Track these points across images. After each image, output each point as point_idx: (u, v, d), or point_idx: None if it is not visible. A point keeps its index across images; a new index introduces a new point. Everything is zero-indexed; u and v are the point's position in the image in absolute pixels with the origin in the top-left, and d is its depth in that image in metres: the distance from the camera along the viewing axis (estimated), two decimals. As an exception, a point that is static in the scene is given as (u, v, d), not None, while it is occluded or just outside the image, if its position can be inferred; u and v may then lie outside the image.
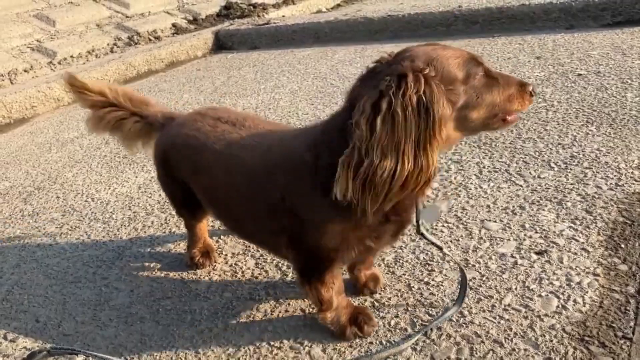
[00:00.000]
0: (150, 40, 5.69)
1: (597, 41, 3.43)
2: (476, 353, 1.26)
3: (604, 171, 1.93)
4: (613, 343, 1.22)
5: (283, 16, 6.15)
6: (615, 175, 1.89)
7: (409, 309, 1.44)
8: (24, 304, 1.77)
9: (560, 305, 1.36)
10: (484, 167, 2.11)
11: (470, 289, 1.46)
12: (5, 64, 4.80)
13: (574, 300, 1.36)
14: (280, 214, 1.27)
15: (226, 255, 1.84)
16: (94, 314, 1.66)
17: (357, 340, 1.36)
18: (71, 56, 5.16)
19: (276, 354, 1.37)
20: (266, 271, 1.71)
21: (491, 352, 1.26)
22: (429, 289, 1.50)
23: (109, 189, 2.57)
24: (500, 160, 2.15)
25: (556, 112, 2.49)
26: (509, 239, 1.66)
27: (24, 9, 5.57)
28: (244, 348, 1.41)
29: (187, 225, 1.82)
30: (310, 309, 1.50)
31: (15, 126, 4.04)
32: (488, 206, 1.85)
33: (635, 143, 2.08)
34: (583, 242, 1.58)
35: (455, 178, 2.07)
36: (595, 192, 1.81)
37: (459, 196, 1.94)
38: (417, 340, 1.33)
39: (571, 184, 1.89)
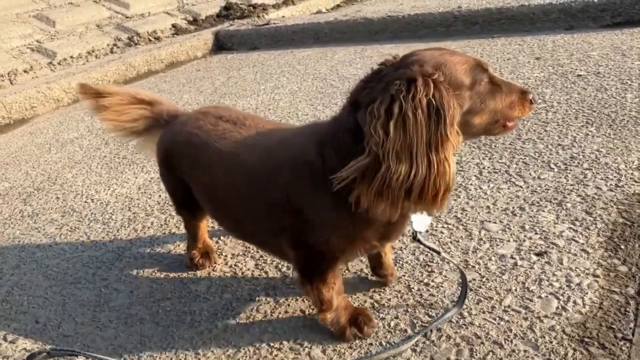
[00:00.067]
0: (150, 40, 5.69)
1: (597, 42, 3.43)
2: (476, 354, 1.26)
3: (603, 172, 1.93)
4: (613, 344, 1.22)
5: (283, 17, 6.15)
6: (615, 176, 1.89)
7: (409, 310, 1.44)
8: (24, 305, 1.77)
9: (560, 307, 1.36)
10: (483, 168, 2.11)
11: (470, 290, 1.46)
12: (5, 64, 4.80)
13: (574, 302, 1.36)
14: (283, 213, 1.27)
15: (226, 256, 1.84)
16: (93, 315, 1.66)
17: (357, 341, 1.36)
18: (71, 57, 5.16)
19: (276, 355, 1.37)
20: (266, 272, 1.71)
21: (491, 353, 1.26)
22: (428, 290, 1.50)
23: (109, 189, 2.57)
24: (500, 161, 2.15)
25: (556, 113, 2.50)
26: (509, 240, 1.66)
27: (23, 10, 5.57)
28: (243, 349, 1.41)
29: (186, 226, 1.82)
30: (310, 310, 1.50)
31: (15, 127, 4.04)
32: (488, 207, 1.85)
33: (635, 144, 2.08)
34: (583, 243, 1.58)
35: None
36: (595, 193, 1.81)
37: (459, 197, 1.94)
38: (417, 341, 1.33)
39: (571, 185, 1.89)
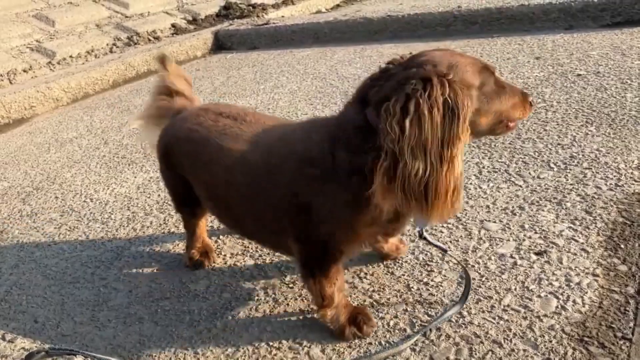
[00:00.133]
0: (149, 40, 5.69)
1: (597, 41, 3.43)
2: (475, 353, 1.26)
3: (603, 171, 1.93)
4: (612, 344, 1.22)
5: (282, 16, 6.15)
6: (614, 176, 1.89)
7: (408, 309, 1.44)
8: (23, 304, 1.77)
9: (559, 306, 1.35)
10: (483, 168, 2.11)
11: (470, 289, 1.46)
12: (5, 64, 4.79)
13: (574, 301, 1.36)
14: (289, 208, 1.28)
15: (225, 255, 1.84)
16: (92, 315, 1.66)
17: (356, 340, 1.36)
18: (70, 56, 5.16)
19: (275, 354, 1.37)
20: (265, 272, 1.71)
21: (490, 352, 1.26)
22: (428, 290, 1.50)
23: (108, 189, 2.57)
24: (499, 160, 2.15)
25: (555, 112, 2.49)
26: (509, 240, 1.65)
27: (23, 9, 5.56)
28: (242, 348, 1.40)
29: (186, 225, 1.81)
30: (309, 310, 1.50)
31: (14, 126, 4.04)
32: (487, 206, 1.85)
33: (634, 143, 2.08)
34: (582, 243, 1.58)
35: (454, 178, 2.07)
36: (595, 193, 1.81)
37: (459, 196, 1.94)
38: (416, 340, 1.32)
39: (571, 184, 1.89)
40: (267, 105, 3.36)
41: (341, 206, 1.21)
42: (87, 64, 4.99)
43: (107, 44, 5.49)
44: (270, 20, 5.49)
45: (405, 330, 1.37)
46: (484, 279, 1.50)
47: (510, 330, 1.31)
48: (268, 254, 1.80)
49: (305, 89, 3.56)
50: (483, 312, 1.38)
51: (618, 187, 1.82)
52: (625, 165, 1.94)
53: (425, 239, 1.44)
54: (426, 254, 1.65)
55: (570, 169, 1.99)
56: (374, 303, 1.48)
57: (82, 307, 1.70)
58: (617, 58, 3.05)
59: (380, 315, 1.43)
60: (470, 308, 1.40)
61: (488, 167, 2.11)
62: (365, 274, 1.60)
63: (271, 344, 1.40)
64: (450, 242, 1.68)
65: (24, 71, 4.81)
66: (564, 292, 1.40)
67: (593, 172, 1.93)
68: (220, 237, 1.95)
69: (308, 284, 1.35)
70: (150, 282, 1.77)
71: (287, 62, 4.45)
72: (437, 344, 1.31)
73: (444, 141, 1.05)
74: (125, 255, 1.96)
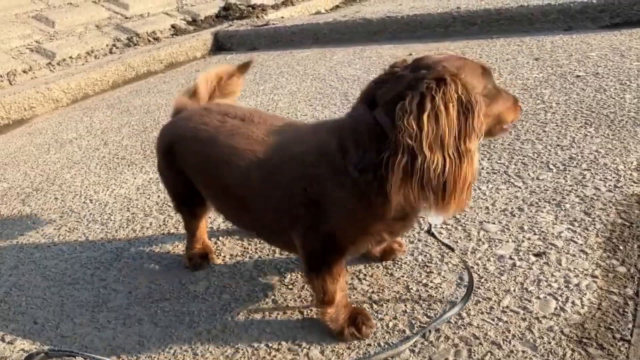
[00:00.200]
0: (149, 41, 5.69)
1: (596, 42, 3.44)
2: (474, 355, 1.26)
3: (602, 173, 1.93)
4: (611, 345, 1.22)
5: (282, 17, 6.15)
6: (613, 177, 1.89)
7: (407, 310, 1.44)
8: (22, 305, 1.77)
9: (558, 307, 1.36)
10: (482, 169, 2.11)
11: (472, 290, 1.46)
12: (4, 64, 4.79)
13: (572, 302, 1.36)
14: (298, 204, 1.30)
15: (224, 256, 1.84)
16: (92, 316, 1.66)
17: (355, 342, 1.36)
18: (70, 57, 5.16)
19: (274, 356, 1.37)
20: (264, 273, 1.71)
21: (489, 354, 1.26)
22: (427, 291, 1.50)
23: (108, 190, 2.57)
24: (499, 161, 2.15)
25: (555, 113, 2.50)
26: (508, 241, 1.66)
27: (23, 10, 5.56)
28: (242, 349, 1.41)
29: (186, 225, 1.82)
30: (309, 310, 1.50)
31: (14, 127, 4.04)
32: (487, 208, 1.85)
33: (633, 144, 2.09)
34: (581, 244, 1.58)
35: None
36: (594, 194, 1.81)
37: (458, 198, 1.94)
38: (416, 342, 1.32)
39: (570, 185, 1.89)
40: (267, 107, 3.36)
41: (349, 200, 1.23)
42: (86, 64, 4.99)
43: (107, 45, 5.49)
44: (269, 21, 5.49)
45: (404, 331, 1.37)
46: (483, 280, 1.50)
47: (509, 331, 1.31)
48: (268, 255, 1.80)
49: (305, 90, 3.56)
50: (482, 313, 1.38)
51: (617, 189, 1.82)
52: (624, 167, 1.94)
53: (433, 234, 1.49)
54: (425, 255, 1.65)
55: (569, 170, 1.99)
56: (373, 304, 1.49)
57: (81, 308, 1.71)
58: (616, 59, 3.05)
59: (380, 316, 1.44)
60: (470, 309, 1.40)
61: (487, 168, 2.11)
62: (365, 275, 1.61)
63: (270, 345, 1.40)
64: (450, 243, 1.69)
65: (24, 72, 4.81)
66: (563, 293, 1.40)
67: (592, 174, 1.94)
68: (220, 238, 1.96)
69: (311, 280, 1.37)
70: (149, 283, 1.77)
71: (287, 63, 4.45)
72: (436, 345, 1.31)
73: (460, 136, 1.09)
74: (124, 256, 1.96)
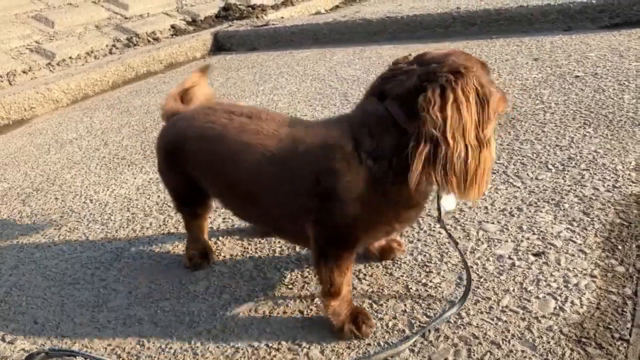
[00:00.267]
0: (149, 41, 5.69)
1: (595, 43, 3.44)
2: (474, 354, 1.27)
3: (601, 173, 1.93)
4: (610, 344, 1.23)
5: (282, 17, 6.16)
6: (612, 177, 1.89)
7: (407, 310, 1.44)
8: (22, 305, 1.77)
9: (557, 307, 1.36)
10: (481, 169, 2.12)
11: (470, 289, 1.47)
12: (4, 65, 4.79)
13: (572, 302, 1.37)
14: (311, 196, 1.32)
15: (224, 256, 1.84)
16: (92, 316, 1.66)
17: (355, 341, 1.36)
18: (70, 57, 5.16)
19: (274, 356, 1.37)
20: (264, 273, 1.71)
21: (489, 353, 1.26)
22: (427, 291, 1.51)
23: (108, 190, 2.57)
24: (498, 162, 2.15)
25: (554, 113, 2.50)
26: (507, 241, 1.66)
27: (22, 10, 5.57)
28: (242, 349, 1.41)
29: (187, 225, 1.82)
30: (309, 310, 1.50)
31: (14, 127, 4.04)
32: (486, 207, 1.86)
33: (632, 145, 2.09)
34: (580, 244, 1.58)
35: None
36: (593, 194, 1.82)
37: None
38: (415, 341, 1.33)
39: (568, 185, 1.90)
40: (267, 107, 3.36)
41: (363, 191, 1.26)
42: (86, 65, 4.99)
43: (107, 45, 5.50)
44: (269, 22, 5.49)
45: (404, 331, 1.38)
46: (482, 280, 1.51)
47: (508, 331, 1.32)
48: (267, 255, 1.81)
49: (305, 90, 3.57)
50: (481, 313, 1.39)
51: (616, 189, 1.82)
52: (623, 167, 1.95)
53: (442, 224, 1.52)
54: (425, 255, 1.66)
55: (568, 171, 1.99)
56: (373, 304, 1.49)
57: (81, 308, 1.71)
58: (615, 59, 3.06)
59: (379, 316, 1.44)
60: (469, 309, 1.41)
61: (486, 168, 2.12)
62: (365, 274, 1.61)
63: (270, 344, 1.41)
64: (449, 243, 1.69)
65: (24, 72, 4.81)
66: (562, 293, 1.41)
67: (591, 174, 1.94)
68: (220, 238, 1.96)
69: (319, 270, 1.38)
70: (149, 283, 1.78)
71: (287, 63, 4.46)
72: (436, 345, 1.31)
73: (479, 124, 1.16)
74: (125, 256, 1.97)
